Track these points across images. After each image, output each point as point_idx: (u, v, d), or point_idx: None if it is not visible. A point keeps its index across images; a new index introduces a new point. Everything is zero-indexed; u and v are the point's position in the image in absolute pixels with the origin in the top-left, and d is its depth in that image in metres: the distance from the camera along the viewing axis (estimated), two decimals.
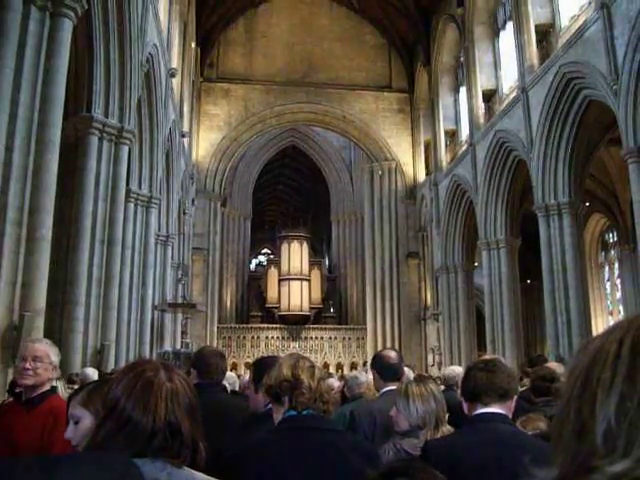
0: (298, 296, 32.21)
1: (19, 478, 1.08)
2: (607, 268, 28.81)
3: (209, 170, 27.96)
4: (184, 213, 23.62)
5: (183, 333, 21.34)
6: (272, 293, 32.90)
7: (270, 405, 2.81)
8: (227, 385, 6.10)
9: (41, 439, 3.36)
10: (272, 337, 31.47)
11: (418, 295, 28.52)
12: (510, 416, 2.76)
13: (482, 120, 22.39)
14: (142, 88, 14.33)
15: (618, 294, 27.62)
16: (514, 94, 19.58)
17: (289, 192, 46.42)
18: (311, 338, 31.56)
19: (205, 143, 28.08)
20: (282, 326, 31.75)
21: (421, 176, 28.85)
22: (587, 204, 19.00)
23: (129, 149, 12.87)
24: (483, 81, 22.59)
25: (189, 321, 21.87)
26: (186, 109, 23.89)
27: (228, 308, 32.92)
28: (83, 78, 11.70)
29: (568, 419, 0.72)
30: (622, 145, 13.91)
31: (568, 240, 16.83)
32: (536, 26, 18.45)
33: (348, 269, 35.18)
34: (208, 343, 24.83)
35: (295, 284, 32.54)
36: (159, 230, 18.65)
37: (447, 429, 3.27)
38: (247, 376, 5.80)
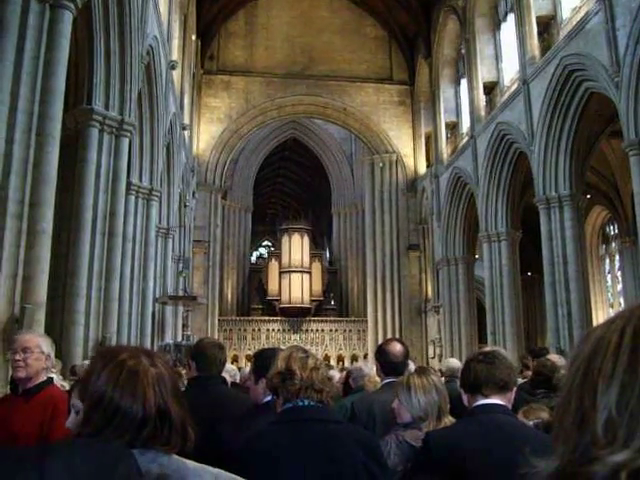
0: (299, 288, 32.25)
1: (10, 467, 1.08)
2: (608, 260, 28.79)
3: (210, 163, 27.92)
4: (185, 206, 23.60)
5: (184, 326, 21.37)
6: (273, 285, 32.93)
7: (269, 397, 2.82)
8: (227, 377, 6.10)
9: (40, 429, 3.36)
10: (273, 329, 31.53)
11: (419, 287, 28.53)
12: (510, 408, 2.76)
13: (483, 112, 22.35)
14: (142, 80, 14.29)
15: (619, 286, 27.63)
16: (515, 86, 19.54)
17: (290, 184, 46.38)
18: (312, 330, 31.62)
19: (206, 136, 28.04)
20: (283, 318, 31.81)
21: (422, 168, 28.81)
22: (588, 196, 19.00)
23: (129, 141, 12.84)
24: (484, 73, 22.53)
25: (190, 314, 21.90)
26: (186, 101, 23.83)
27: (229, 301, 32.96)
28: (83, 70, 11.66)
29: (569, 409, 0.72)
30: (623, 137, 13.89)
31: (569, 232, 16.83)
32: (537, 18, 18.38)
33: (349, 261, 35.22)
34: (209, 335, 24.85)
35: (296, 276, 32.57)
36: (160, 223, 18.64)
37: (450, 420, 3.27)
38: (248, 368, 5.80)
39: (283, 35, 29.14)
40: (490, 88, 22.33)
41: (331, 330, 31.68)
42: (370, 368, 5.87)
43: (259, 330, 31.31)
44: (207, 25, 27.37)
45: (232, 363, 21.93)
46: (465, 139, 24.02)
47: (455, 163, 24.27)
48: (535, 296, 30.22)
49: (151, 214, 16.42)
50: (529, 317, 28.96)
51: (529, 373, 7.08)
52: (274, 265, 33.38)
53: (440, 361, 22.81)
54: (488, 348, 2.92)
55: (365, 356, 28.63)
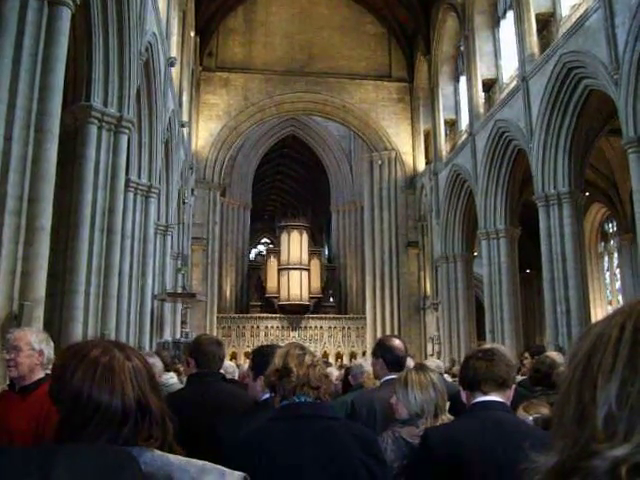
0: (298, 286, 32.28)
1: (16, 470, 1.08)
2: (606, 258, 28.81)
3: (208, 160, 27.90)
4: (183, 203, 23.58)
5: (183, 323, 21.34)
6: (272, 283, 32.94)
7: (268, 394, 2.82)
8: (226, 374, 6.10)
9: (37, 426, 3.35)
10: (272, 327, 31.55)
11: (417, 284, 28.55)
12: (509, 405, 2.76)
13: (482, 109, 22.34)
14: (141, 77, 14.26)
15: (617, 284, 27.66)
16: (514, 83, 19.53)
17: (289, 182, 46.37)
18: (310, 328, 31.65)
19: (204, 133, 28.01)
20: (282, 316, 31.83)
21: (421, 166, 28.80)
22: (587, 194, 18.98)
23: (128, 138, 12.82)
24: (483, 70, 22.51)
25: (189, 311, 21.87)
26: (185, 98, 23.80)
27: (228, 298, 32.97)
28: (82, 67, 11.63)
29: (569, 404, 0.72)
30: (622, 135, 13.89)
31: (568, 230, 16.83)
32: (537, 15, 18.37)
33: (348, 259, 35.25)
34: (208, 332, 24.85)
35: (295, 274, 32.59)
36: (158, 220, 18.62)
37: (447, 417, 3.28)
38: (246, 365, 5.80)
39: (282, 32, 29.10)
40: (489, 85, 22.32)
41: (330, 327, 31.71)
42: (369, 365, 5.88)
43: (258, 327, 31.34)
44: (206, 22, 27.34)
45: (231, 360, 21.95)
46: (464, 136, 24.01)
47: (454, 160, 24.26)
48: (534, 293, 30.25)
49: (150, 211, 16.40)
50: (528, 314, 28.96)
51: (527, 371, 7.10)
52: (273, 262, 33.39)
53: (439, 358, 22.83)
54: (487, 345, 2.93)
55: (364, 353, 28.65)
